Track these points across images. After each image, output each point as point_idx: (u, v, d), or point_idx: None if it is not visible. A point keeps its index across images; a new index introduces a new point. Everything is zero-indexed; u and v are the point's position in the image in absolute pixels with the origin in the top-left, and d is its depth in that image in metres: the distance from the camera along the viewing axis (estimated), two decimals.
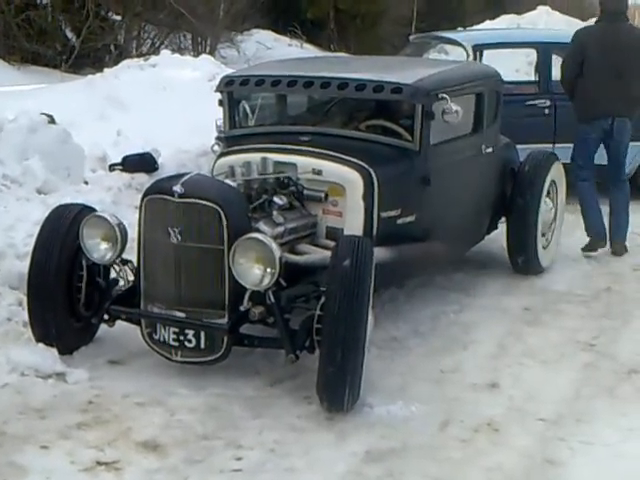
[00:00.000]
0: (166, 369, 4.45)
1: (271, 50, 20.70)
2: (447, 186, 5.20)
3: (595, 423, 4.10)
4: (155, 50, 17.47)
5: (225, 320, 4.27)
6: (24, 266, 5.65)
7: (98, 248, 4.45)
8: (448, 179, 5.20)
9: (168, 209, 4.25)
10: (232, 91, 5.41)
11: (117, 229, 4.40)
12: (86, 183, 7.89)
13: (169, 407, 4.13)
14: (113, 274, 4.69)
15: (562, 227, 6.47)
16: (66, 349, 4.56)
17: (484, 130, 5.62)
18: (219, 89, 5.42)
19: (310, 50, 22.28)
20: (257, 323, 4.30)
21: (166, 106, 10.50)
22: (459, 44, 7.95)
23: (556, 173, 6.21)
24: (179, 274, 4.29)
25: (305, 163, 4.81)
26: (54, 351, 4.49)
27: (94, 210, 4.73)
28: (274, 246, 4.10)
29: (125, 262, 4.55)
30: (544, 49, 7.96)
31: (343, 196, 4.81)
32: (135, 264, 4.49)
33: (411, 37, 9.22)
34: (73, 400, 4.16)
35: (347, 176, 4.78)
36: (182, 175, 4.40)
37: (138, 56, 15.97)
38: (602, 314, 5.51)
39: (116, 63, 14.93)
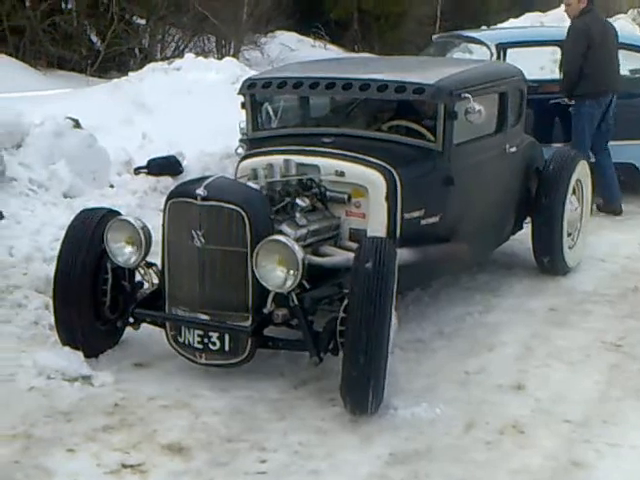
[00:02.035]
0: (190, 372, 4.46)
1: (295, 52, 20.73)
2: (471, 186, 5.18)
3: (622, 425, 4.06)
4: (179, 53, 17.56)
5: (249, 323, 4.27)
6: (51, 270, 5.71)
7: (123, 252, 4.47)
8: (472, 179, 5.18)
9: (191, 212, 4.26)
10: (254, 93, 5.41)
11: (141, 232, 4.42)
12: (112, 187, 7.97)
13: (194, 409, 4.14)
14: (138, 277, 4.71)
15: (588, 226, 6.42)
16: (92, 352, 4.58)
17: (508, 129, 5.59)
18: (241, 92, 5.43)
19: (334, 51, 22.30)
20: (281, 325, 4.31)
21: (190, 109, 10.55)
22: (483, 43, 7.92)
23: (582, 172, 6.17)
24: (203, 277, 4.30)
25: (328, 165, 4.81)
26: (80, 354, 4.51)
27: (119, 214, 4.75)
28: (297, 248, 4.10)
29: (150, 265, 4.56)
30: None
31: (366, 197, 4.81)
32: (160, 267, 4.51)
33: (434, 37, 9.19)
34: (99, 403, 4.18)
35: (370, 177, 4.77)
36: (205, 178, 4.41)
37: (162, 59, 16.08)
38: (628, 314, 5.46)
39: (141, 67, 15.03)
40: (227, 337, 4.28)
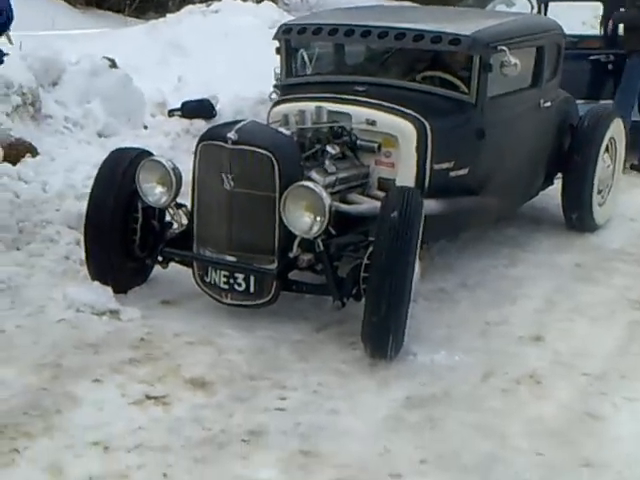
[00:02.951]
0: (216, 311, 4.55)
1: None
2: (503, 140, 5.19)
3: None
4: None
5: (274, 265, 4.34)
6: (83, 206, 5.80)
7: (153, 192, 4.54)
8: (504, 133, 5.18)
9: (222, 155, 4.32)
10: (289, 39, 5.43)
11: (172, 173, 4.48)
12: (145, 128, 8.04)
13: (218, 347, 4.24)
14: (167, 217, 4.79)
15: (619, 185, 6.40)
16: (120, 288, 4.69)
17: (543, 84, 5.57)
18: (277, 37, 5.45)
19: None
20: (305, 270, 4.38)
21: (226, 53, 10.58)
22: None
23: (616, 130, 6.14)
24: (231, 219, 4.37)
25: (359, 113, 4.83)
26: (109, 290, 4.62)
27: (151, 154, 4.82)
28: (324, 194, 4.15)
29: (180, 206, 4.63)
30: (612, 2, 7.81)
31: (396, 147, 4.83)
32: (189, 208, 4.58)
33: None
34: (126, 337, 4.29)
35: (400, 127, 4.79)
36: (237, 122, 4.45)
37: (201, 1, 16.01)
38: None
39: (179, 8, 14.99)
40: (252, 278, 4.35)
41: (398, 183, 4.78)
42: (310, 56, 5.70)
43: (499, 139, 5.13)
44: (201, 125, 8.24)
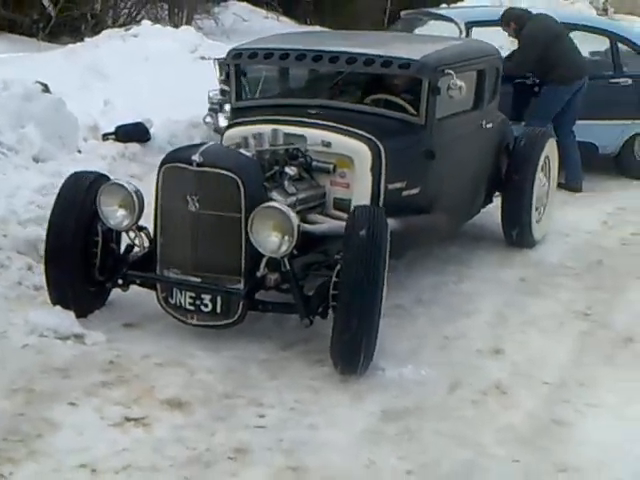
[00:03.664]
0: (180, 332, 4.57)
1: (248, 22, 20.64)
2: (450, 160, 5.34)
3: (598, 387, 4.29)
4: (132, 20, 17.42)
5: (241, 286, 4.39)
6: (29, 232, 5.79)
7: (115, 215, 4.54)
8: (451, 153, 5.34)
9: (187, 177, 4.36)
10: (239, 63, 5.49)
11: (134, 196, 4.50)
12: (79, 152, 7.96)
13: (188, 368, 4.26)
14: (125, 240, 4.79)
15: (554, 202, 6.65)
16: (82, 312, 4.66)
17: (485, 106, 5.76)
18: (227, 62, 5.51)
19: (287, 23, 22.25)
20: (272, 289, 4.44)
21: (149, 77, 10.56)
22: (452, 21, 8.07)
23: (550, 149, 6.39)
24: (196, 241, 4.41)
25: (314, 135, 4.93)
26: (71, 314, 4.59)
27: (108, 178, 4.82)
28: (292, 214, 4.23)
29: (141, 229, 4.64)
30: None
31: (351, 168, 4.94)
32: (150, 231, 4.59)
33: (402, 13, 9.31)
34: (94, 360, 4.27)
35: (355, 148, 4.90)
36: (199, 145, 4.51)
37: (114, 26, 15.94)
38: (595, 286, 5.69)
39: (93, 33, 14.87)
40: (219, 299, 4.39)
41: (354, 203, 4.89)
42: (258, 80, 5.78)
43: (447, 159, 5.28)
44: (136, 149, 8.23)
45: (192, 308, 4.43)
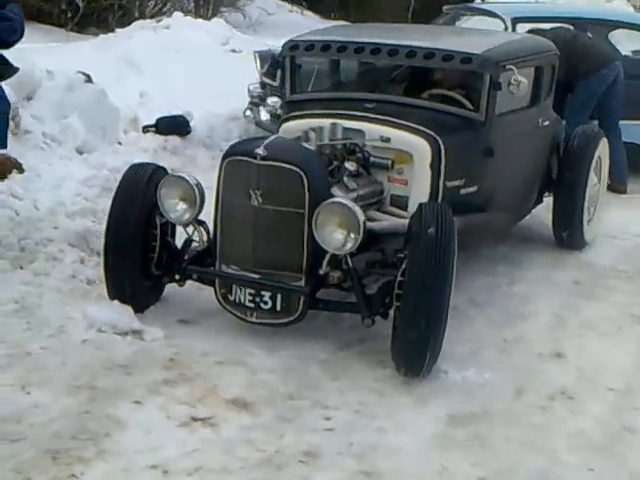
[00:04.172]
0: (236, 329, 4.51)
1: (273, 16, 20.59)
2: (508, 158, 5.26)
3: None
4: (159, 12, 17.41)
5: (301, 283, 4.32)
6: (78, 224, 5.75)
7: (176, 208, 4.49)
8: (509, 151, 5.26)
9: (250, 171, 4.29)
10: (295, 55, 5.42)
11: (196, 189, 4.44)
12: (119, 144, 7.91)
13: (248, 367, 4.20)
14: (181, 235, 4.74)
15: (604, 203, 6.55)
16: (139, 308, 4.61)
17: (541, 103, 5.68)
18: (283, 54, 5.42)
19: (311, 17, 22.20)
20: (334, 287, 4.37)
21: (183, 69, 10.51)
22: (497, 16, 7.97)
23: (602, 149, 6.29)
24: (258, 236, 4.35)
25: (373, 130, 4.85)
26: (129, 309, 4.54)
27: (166, 170, 4.76)
28: (358, 211, 4.15)
29: (200, 223, 4.58)
30: (582, 25, 8.02)
31: (410, 164, 4.86)
32: (211, 225, 4.53)
33: (445, 7, 9.21)
34: (154, 357, 4.22)
35: (415, 144, 4.82)
36: (263, 138, 4.44)
37: (141, 17, 15.89)
38: None
39: (120, 24, 14.82)
40: (279, 297, 4.33)
41: (412, 200, 4.83)
42: (311, 73, 5.70)
43: (504, 157, 5.20)
44: (176, 142, 8.19)
45: (252, 305, 4.37)
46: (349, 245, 4.16)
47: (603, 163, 6.43)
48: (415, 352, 4.06)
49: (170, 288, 4.81)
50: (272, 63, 8.28)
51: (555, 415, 3.98)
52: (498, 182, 5.25)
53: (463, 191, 5.03)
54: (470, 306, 5.14)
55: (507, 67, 5.01)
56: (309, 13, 22.68)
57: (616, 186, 7.74)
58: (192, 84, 9.81)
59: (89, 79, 7.95)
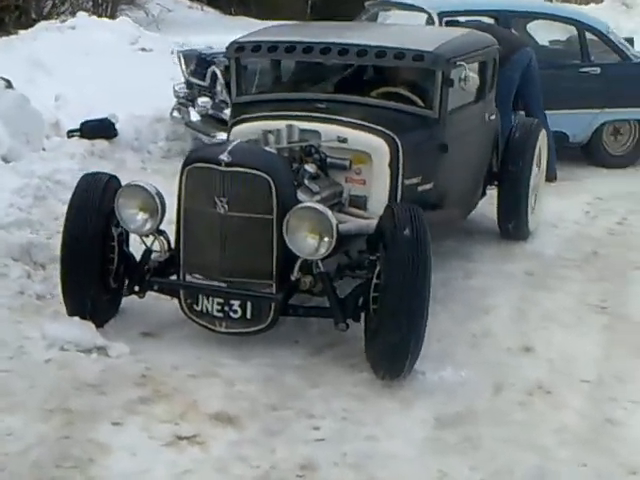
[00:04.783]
0: (202, 340, 4.39)
1: (172, 12, 20.28)
2: (460, 153, 5.26)
3: (637, 383, 4.25)
4: (56, 12, 16.95)
5: (271, 290, 4.22)
6: (19, 237, 5.50)
7: (135, 218, 4.32)
8: (461, 146, 5.25)
9: (214, 178, 4.16)
10: (240, 57, 5.29)
11: (156, 198, 4.28)
12: (43, 150, 7.63)
13: (223, 378, 4.08)
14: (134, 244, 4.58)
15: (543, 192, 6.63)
16: (99, 323, 4.44)
17: (486, 98, 5.70)
18: (229, 55, 5.29)
19: (211, 13, 21.96)
20: (305, 292, 4.28)
21: (94, 70, 10.22)
22: (423, 10, 7.98)
23: (542, 140, 6.36)
24: (224, 244, 4.22)
25: (329, 131, 4.77)
26: (90, 325, 4.37)
27: (118, 179, 4.59)
28: (330, 214, 4.07)
29: (160, 232, 4.42)
30: (505, 17, 8.10)
31: (367, 164, 4.81)
32: (173, 234, 4.38)
33: (367, 3, 9.17)
34: (124, 374, 4.06)
35: (374, 144, 4.77)
36: (224, 143, 4.32)
37: (39, 18, 15.43)
38: (599, 278, 5.67)
39: (17, 25, 14.37)
40: (249, 305, 4.22)
41: (371, 199, 4.79)
42: (253, 73, 5.59)
43: (458, 153, 5.19)
44: (103, 145, 7.94)
45: (220, 315, 4.24)
46: (322, 250, 4.07)
47: (542, 153, 6.50)
48: (396, 355, 4.00)
49: (127, 300, 4.64)
50: (199, 63, 8.12)
51: (536, 410, 3.98)
52: (452, 178, 5.24)
53: (420, 188, 5.00)
54: (432, 302, 5.08)
55: (457, 63, 5.00)
56: (209, 9, 22.42)
57: (546, 175, 7.84)
58: (106, 85, 9.51)
59: (9, 84, 7.65)
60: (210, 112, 7.67)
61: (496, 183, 6.18)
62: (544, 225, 6.68)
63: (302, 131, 4.74)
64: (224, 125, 7.47)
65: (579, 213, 7.14)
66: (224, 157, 4.13)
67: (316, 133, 4.78)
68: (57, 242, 5.49)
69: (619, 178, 8.24)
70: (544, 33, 9.27)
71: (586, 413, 3.98)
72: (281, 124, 4.71)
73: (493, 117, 5.81)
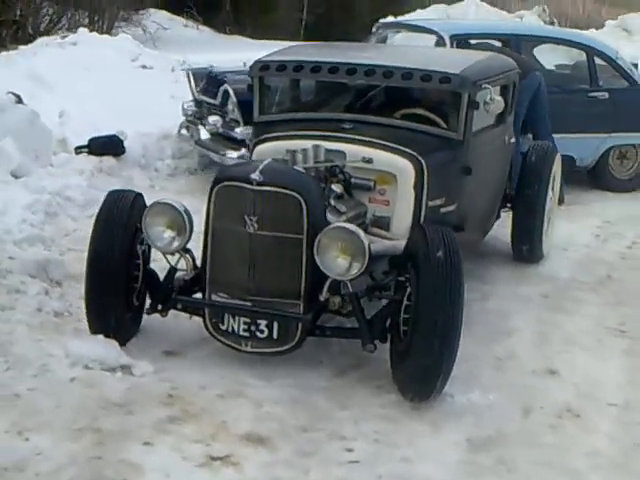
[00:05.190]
0: (225, 360, 4.36)
1: (169, 30, 20.37)
2: (482, 176, 5.25)
3: None
4: (53, 27, 16.99)
5: (298, 309, 4.19)
6: (35, 254, 5.47)
7: (162, 236, 4.28)
8: (483, 169, 5.25)
9: (245, 197, 4.14)
10: (264, 76, 5.28)
11: (185, 216, 4.25)
12: (51, 166, 7.59)
13: (251, 399, 4.04)
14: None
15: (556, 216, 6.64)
16: (122, 341, 4.39)
17: (507, 121, 5.70)
18: (253, 74, 5.26)
19: (206, 31, 22.03)
20: (332, 313, 4.26)
21: (95, 86, 10.21)
22: (435, 33, 8.01)
23: (557, 164, 6.37)
24: (253, 263, 4.19)
25: (354, 151, 4.76)
26: (114, 343, 4.32)
27: (142, 196, 4.56)
28: (362, 235, 4.05)
29: (186, 251, 4.39)
30: (516, 41, 8.13)
31: (392, 185, 4.80)
32: (201, 253, 4.34)
33: (376, 24, 9.20)
34: (151, 394, 4.01)
35: (399, 165, 4.76)
36: (254, 162, 4.29)
37: (36, 33, 15.45)
38: (615, 302, 5.66)
39: (14, 40, 14.36)
40: (276, 325, 4.19)
41: (394, 221, 4.78)
42: (275, 92, 5.58)
43: (480, 175, 5.19)
44: (111, 162, 7.91)
45: (247, 334, 4.21)
46: (354, 271, 4.05)
47: (556, 177, 6.51)
48: (427, 377, 3.98)
49: (147, 319, 4.60)
50: (209, 81, 8.11)
51: (567, 434, 3.97)
52: (474, 200, 5.24)
53: (443, 210, 4.99)
54: None
55: (483, 86, 5.01)
56: (204, 28, 22.49)
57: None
58: (109, 102, 9.50)
59: (19, 100, 7.62)
60: (220, 130, 7.66)
61: (509, 205, 6.18)
62: (555, 248, 6.67)
63: (327, 151, 4.72)
64: (234, 144, 7.52)
65: (589, 237, 7.15)
66: (255, 176, 4.11)
67: (341, 153, 4.76)
68: (71, 259, 5.55)
69: (626, 202, 8.27)
70: (550, 57, 9.32)
71: (615, 437, 3.96)
72: (306, 143, 4.69)
73: (512, 140, 5.81)
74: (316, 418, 3.92)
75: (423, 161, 4.77)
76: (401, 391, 4.12)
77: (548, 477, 3.59)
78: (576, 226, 7.32)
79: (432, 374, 3.96)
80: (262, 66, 5.23)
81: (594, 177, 8.61)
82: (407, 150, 4.77)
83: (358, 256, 4.03)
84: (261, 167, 4.15)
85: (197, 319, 4.42)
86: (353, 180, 4.76)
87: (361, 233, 4.06)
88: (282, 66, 5.17)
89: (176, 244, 4.28)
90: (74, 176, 7.37)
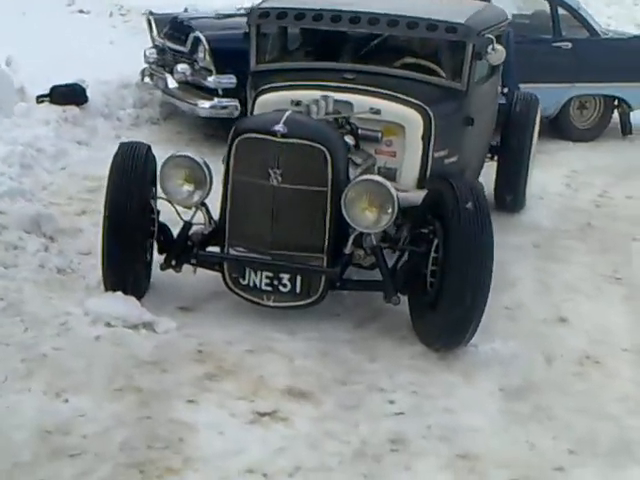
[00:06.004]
0: (244, 314, 4.33)
1: None
2: (479, 126, 5.25)
3: None
4: None
5: (321, 263, 4.16)
6: (27, 208, 5.29)
7: (181, 190, 4.18)
8: (481, 119, 5.26)
9: (269, 149, 4.05)
10: (261, 24, 5.15)
11: (204, 169, 4.14)
12: (14, 115, 7.31)
13: (281, 353, 4.02)
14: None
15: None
16: (137, 297, 4.29)
17: (498, 72, 5.71)
18: (252, 22, 5.13)
19: None
20: (355, 266, 4.24)
21: (33, 32, 9.89)
22: None
23: (539, 114, 6.42)
24: (276, 217, 4.12)
25: (362, 102, 4.70)
26: (134, 300, 4.23)
27: (150, 148, 4.43)
28: (390, 187, 4.01)
29: (202, 204, 4.29)
30: None
31: (399, 136, 4.76)
32: (220, 206, 4.25)
33: None
34: (179, 351, 3.96)
35: (407, 116, 4.72)
36: (277, 113, 4.18)
37: None
38: (604, 249, 5.78)
39: None
40: (299, 278, 4.14)
41: (401, 172, 4.76)
42: (282, 41, 5.46)
43: (478, 126, 5.19)
44: (75, 112, 7.65)
45: (269, 289, 4.16)
46: (383, 222, 4.02)
47: (536, 127, 6.56)
48: (457, 328, 4.00)
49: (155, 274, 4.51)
50: (174, 27, 7.86)
51: (593, 381, 4.06)
52: (472, 151, 5.25)
53: (447, 161, 4.97)
54: None
55: (486, 36, 4.98)
56: None
57: None
58: (52, 49, 9.17)
59: None
60: (190, 79, 7.46)
61: (489, 155, 6.20)
62: (532, 197, 6.76)
63: (335, 102, 4.65)
64: (204, 93, 7.35)
65: (560, 186, 7.25)
66: (280, 128, 4.02)
67: (348, 104, 4.70)
68: (57, 214, 5.38)
69: (587, 152, 8.39)
70: (510, 6, 9.32)
71: (638, 381, 4.06)
72: (311, 94, 4.61)
73: (506, 90, 5.82)
74: (350, 371, 3.92)
75: (431, 112, 4.74)
76: (426, 342, 4.14)
77: (587, 423, 3.66)
78: (547, 175, 7.37)
79: (463, 325, 3.98)
80: (261, 13, 5.10)
81: (556, 127, 8.71)
82: (415, 101, 4.73)
83: (387, 208, 4.00)
84: (284, 118, 4.06)
85: (202, 274, 4.35)
86: (360, 132, 4.70)
87: (389, 185, 4.02)
88: (283, 14, 5.05)
89: (196, 198, 4.18)
90: (40, 127, 7.13)
